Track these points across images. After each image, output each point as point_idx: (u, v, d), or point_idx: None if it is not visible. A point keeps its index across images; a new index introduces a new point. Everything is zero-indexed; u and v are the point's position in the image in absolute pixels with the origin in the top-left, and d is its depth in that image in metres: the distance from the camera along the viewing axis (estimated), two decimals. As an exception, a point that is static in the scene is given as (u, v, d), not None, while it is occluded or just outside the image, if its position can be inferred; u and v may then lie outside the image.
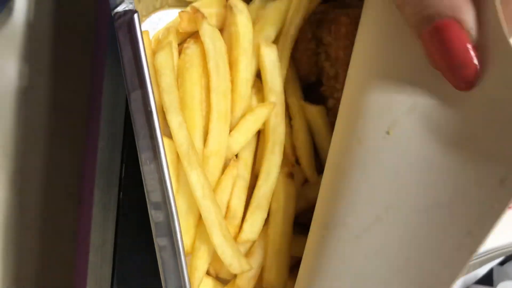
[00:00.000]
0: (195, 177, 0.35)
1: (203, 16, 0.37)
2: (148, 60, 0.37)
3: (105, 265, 0.44)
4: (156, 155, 0.31)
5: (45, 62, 0.50)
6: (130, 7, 0.32)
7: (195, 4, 0.41)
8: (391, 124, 0.30)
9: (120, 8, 0.32)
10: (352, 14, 0.42)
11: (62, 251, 0.48)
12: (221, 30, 0.41)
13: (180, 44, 0.39)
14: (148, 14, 0.39)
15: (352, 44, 0.42)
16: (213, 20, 0.40)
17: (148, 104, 0.31)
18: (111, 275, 0.43)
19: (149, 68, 0.36)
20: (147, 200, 0.31)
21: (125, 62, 0.32)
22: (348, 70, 0.37)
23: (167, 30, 0.38)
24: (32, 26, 0.50)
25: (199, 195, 0.34)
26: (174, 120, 0.35)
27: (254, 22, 0.42)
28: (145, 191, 0.31)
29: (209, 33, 0.37)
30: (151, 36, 0.39)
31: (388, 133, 0.30)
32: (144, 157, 0.31)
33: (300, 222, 0.43)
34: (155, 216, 0.31)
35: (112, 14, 0.32)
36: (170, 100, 0.35)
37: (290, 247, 0.38)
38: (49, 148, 0.50)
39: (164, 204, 0.31)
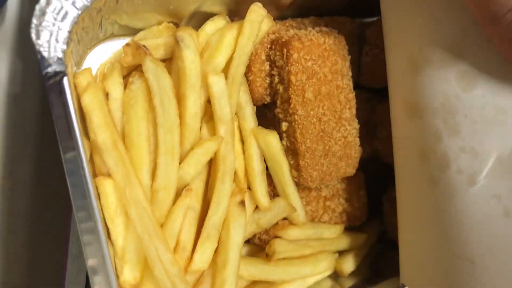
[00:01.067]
0: (133, 213, 0.35)
1: (146, 52, 0.37)
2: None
3: (80, 274, 0.47)
4: (91, 217, 0.33)
5: (36, 69, 0.49)
6: (60, 68, 0.32)
7: (142, 33, 0.41)
8: None
9: (50, 69, 0.32)
10: (305, 38, 0.40)
11: (51, 256, 0.50)
12: (171, 59, 0.40)
13: (126, 76, 0.39)
14: (92, 46, 0.39)
15: (304, 69, 0.41)
16: (161, 51, 0.39)
17: (82, 167, 0.33)
18: (85, 283, 0.47)
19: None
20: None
21: (57, 121, 0.33)
22: None
23: (112, 65, 0.38)
24: (23, 33, 0.49)
25: (139, 230, 0.35)
26: (110, 160, 0.35)
27: (204, 49, 0.41)
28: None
29: (152, 70, 0.37)
30: (96, 68, 0.39)
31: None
32: (79, 216, 0.33)
33: (254, 243, 0.45)
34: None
35: (43, 74, 0.33)
36: (103, 140, 0.35)
37: (237, 276, 0.39)
38: (39, 153, 0.50)
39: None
